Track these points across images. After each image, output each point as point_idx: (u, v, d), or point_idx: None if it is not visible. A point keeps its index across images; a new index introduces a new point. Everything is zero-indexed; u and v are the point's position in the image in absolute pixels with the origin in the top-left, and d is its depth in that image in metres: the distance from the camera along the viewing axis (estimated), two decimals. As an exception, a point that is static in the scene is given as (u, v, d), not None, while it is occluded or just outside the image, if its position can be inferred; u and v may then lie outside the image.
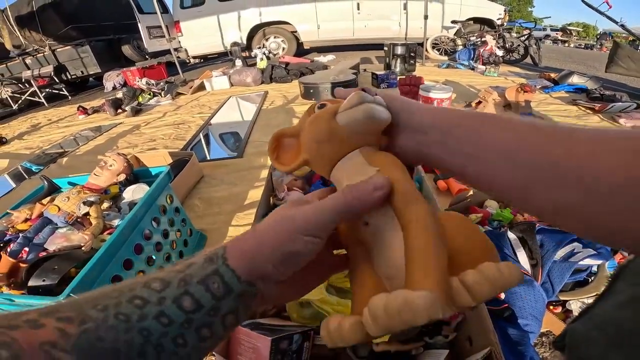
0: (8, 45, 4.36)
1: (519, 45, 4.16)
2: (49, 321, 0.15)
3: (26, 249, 0.76)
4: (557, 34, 16.90)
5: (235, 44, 4.78)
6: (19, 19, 4.84)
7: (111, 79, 4.59)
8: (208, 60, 6.33)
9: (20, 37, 4.82)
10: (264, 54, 4.32)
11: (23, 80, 4.43)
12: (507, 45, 4.13)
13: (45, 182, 0.91)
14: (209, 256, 0.21)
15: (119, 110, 3.13)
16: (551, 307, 0.71)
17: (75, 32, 4.95)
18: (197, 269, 0.21)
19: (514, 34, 4.62)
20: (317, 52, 5.39)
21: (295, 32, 5.16)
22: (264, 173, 1.50)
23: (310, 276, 0.26)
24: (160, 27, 4.24)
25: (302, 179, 1.05)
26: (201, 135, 2.22)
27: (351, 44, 5.34)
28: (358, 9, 4.94)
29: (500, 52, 3.88)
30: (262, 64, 3.92)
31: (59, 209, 0.81)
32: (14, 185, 1.85)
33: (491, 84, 2.47)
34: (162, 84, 3.64)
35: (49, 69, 4.53)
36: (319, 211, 0.22)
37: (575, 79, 2.55)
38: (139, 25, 4.94)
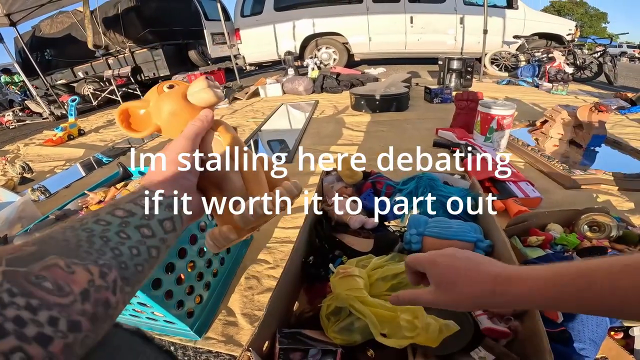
0: (90, 45, 4.88)
1: (591, 62, 3.82)
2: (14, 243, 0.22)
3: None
4: (635, 51, 15.28)
5: (288, 53, 4.97)
6: (106, 21, 5.42)
7: (176, 82, 4.99)
8: (262, 68, 6.66)
9: (105, 38, 5.38)
10: (316, 64, 4.43)
11: (104, 79, 4.99)
12: (577, 62, 3.81)
13: (121, 168, 1.01)
14: (131, 192, 0.29)
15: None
16: (612, 333, 0.67)
17: (151, 36, 5.44)
18: (122, 198, 0.28)
19: (586, 51, 4.25)
20: (367, 65, 5.41)
21: (347, 43, 5.23)
22: (313, 179, 1.52)
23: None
24: (222, 34, 4.53)
25: (352, 187, 1.05)
26: (251, 141, 2.31)
27: (403, 57, 5.28)
28: (411, 22, 4.88)
29: (569, 69, 3.58)
30: (313, 73, 4.03)
31: (131, 194, 0.89)
32: (84, 174, 2.00)
33: (559, 102, 2.28)
34: (221, 88, 3.88)
35: (127, 70, 5.05)
36: (183, 138, 0.32)
37: (656, 100, 2.28)
38: (204, 31, 5.33)
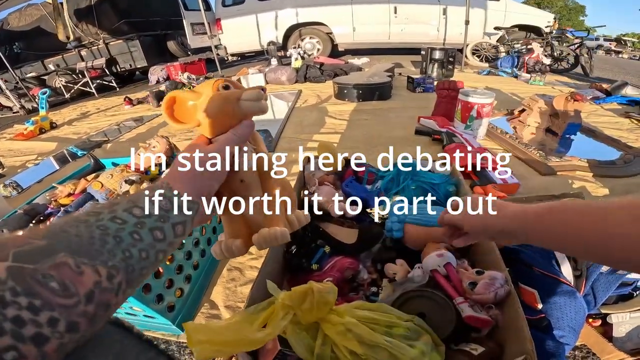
0: (61, 37, 4.69)
1: (568, 54, 3.92)
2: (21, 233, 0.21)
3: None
4: (610, 44, 15.73)
5: (271, 43, 4.86)
6: (78, 12, 5.14)
7: (155, 73, 4.84)
8: (245, 59, 6.51)
9: (77, 29, 5.13)
10: (299, 54, 4.37)
11: (77, 71, 4.77)
12: (555, 54, 3.91)
13: (92, 160, 0.96)
14: (152, 187, 0.29)
15: (161, 102, 3.30)
16: (590, 320, 0.68)
17: (127, 27, 5.23)
18: (141, 194, 0.28)
19: (564, 43, 4.36)
20: (351, 55, 5.37)
21: (331, 33, 5.17)
22: (295, 168, 1.50)
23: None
24: (203, 24, 4.40)
25: (334, 175, 1.04)
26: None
27: (386, 47, 5.27)
28: (395, 12, 4.87)
29: (547, 61, 3.66)
30: (297, 63, 3.97)
31: (102, 185, 0.85)
32: (57, 167, 1.93)
33: (536, 92, 2.33)
34: (201, 79, 3.79)
35: (101, 61, 4.84)
36: (222, 142, 0.34)
37: (629, 91, 2.36)
38: (184, 21, 5.16)
